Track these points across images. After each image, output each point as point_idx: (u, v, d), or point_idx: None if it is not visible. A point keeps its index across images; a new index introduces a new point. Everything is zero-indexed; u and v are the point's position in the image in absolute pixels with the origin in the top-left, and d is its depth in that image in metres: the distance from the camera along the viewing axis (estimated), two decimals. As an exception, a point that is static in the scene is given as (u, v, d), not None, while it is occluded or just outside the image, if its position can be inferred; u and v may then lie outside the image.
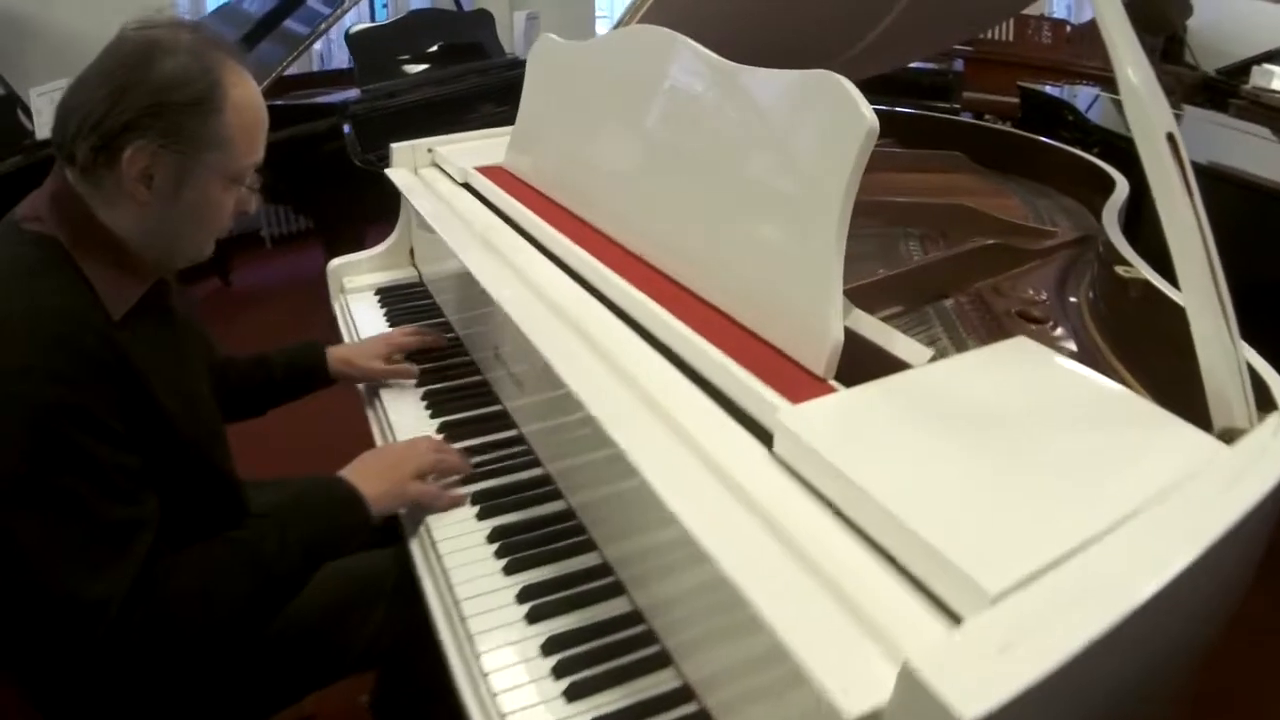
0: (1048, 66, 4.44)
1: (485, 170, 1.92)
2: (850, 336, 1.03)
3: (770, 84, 1.17)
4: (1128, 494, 0.79)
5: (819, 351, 1.01)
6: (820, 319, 1.01)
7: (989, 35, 4.69)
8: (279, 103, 3.38)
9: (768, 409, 0.96)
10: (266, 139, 1.11)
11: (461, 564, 1.18)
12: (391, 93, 3.46)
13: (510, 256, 1.51)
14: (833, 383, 1.01)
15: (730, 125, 1.22)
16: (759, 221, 1.14)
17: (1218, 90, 3.91)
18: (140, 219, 1.04)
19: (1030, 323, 1.36)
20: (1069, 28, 4.76)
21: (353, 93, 3.37)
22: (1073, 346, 1.28)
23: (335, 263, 2.16)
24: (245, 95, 1.05)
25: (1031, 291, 1.48)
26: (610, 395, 1.08)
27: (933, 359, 1.03)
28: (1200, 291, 0.89)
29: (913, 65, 4.35)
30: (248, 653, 1.17)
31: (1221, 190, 2.32)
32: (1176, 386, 1.00)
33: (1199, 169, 0.97)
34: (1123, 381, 1.19)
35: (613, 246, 1.43)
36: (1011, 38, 4.64)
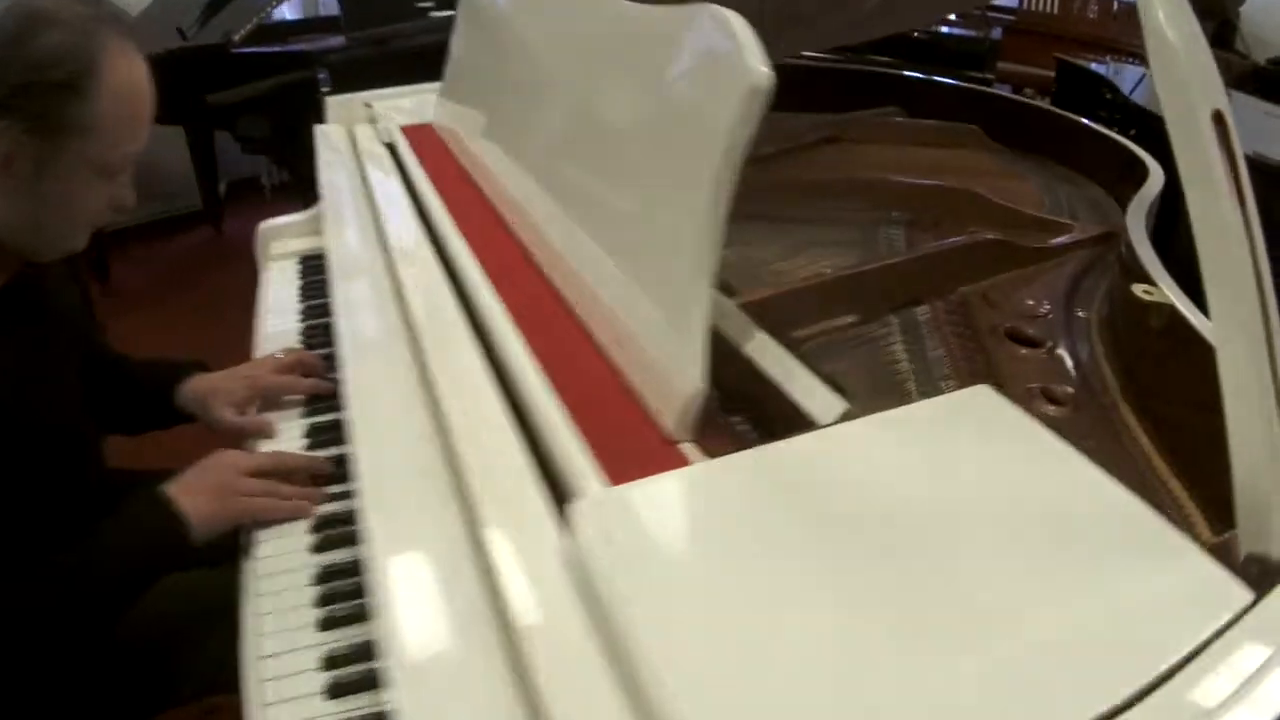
0: (1092, 42, 4.01)
1: (413, 130, 1.63)
2: (748, 374, 0.72)
3: (658, 24, 0.84)
4: (1064, 682, 0.47)
5: (672, 403, 0.71)
6: (675, 359, 0.70)
7: (1031, 6, 4.26)
8: (256, 50, 3.09)
9: (576, 490, 0.66)
10: (150, 126, 1.00)
11: (273, 610, 0.90)
12: (380, 40, 3.14)
13: (394, 244, 1.21)
14: (686, 448, 0.70)
15: (617, 83, 0.90)
16: (629, 216, 0.83)
17: (1268, 80, 3.51)
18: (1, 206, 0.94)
19: (1021, 344, 1.04)
20: (1117, 3, 4.32)
21: (337, 40, 3.06)
22: (1066, 386, 0.95)
23: (266, 225, 1.87)
24: (126, 80, 0.94)
25: (1031, 302, 1.15)
26: (397, 452, 0.80)
27: (845, 415, 0.71)
28: (1242, 347, 0.57)
29: (946, 29, 3.95)
30: (76, 669, 1.06)
31: (1265, 183, 1.95)
32: (1205, 454, 0.68)
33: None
34: (1129, 438, 0.87)
35: (509, 240, 1.13)
36: (1056, 9, 4.19)
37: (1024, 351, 1.02)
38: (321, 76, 2.88)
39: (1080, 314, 1.14)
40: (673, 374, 0.71)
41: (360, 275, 1.21)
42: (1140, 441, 0.89)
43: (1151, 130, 2.16)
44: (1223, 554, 0.69)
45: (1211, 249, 0.58)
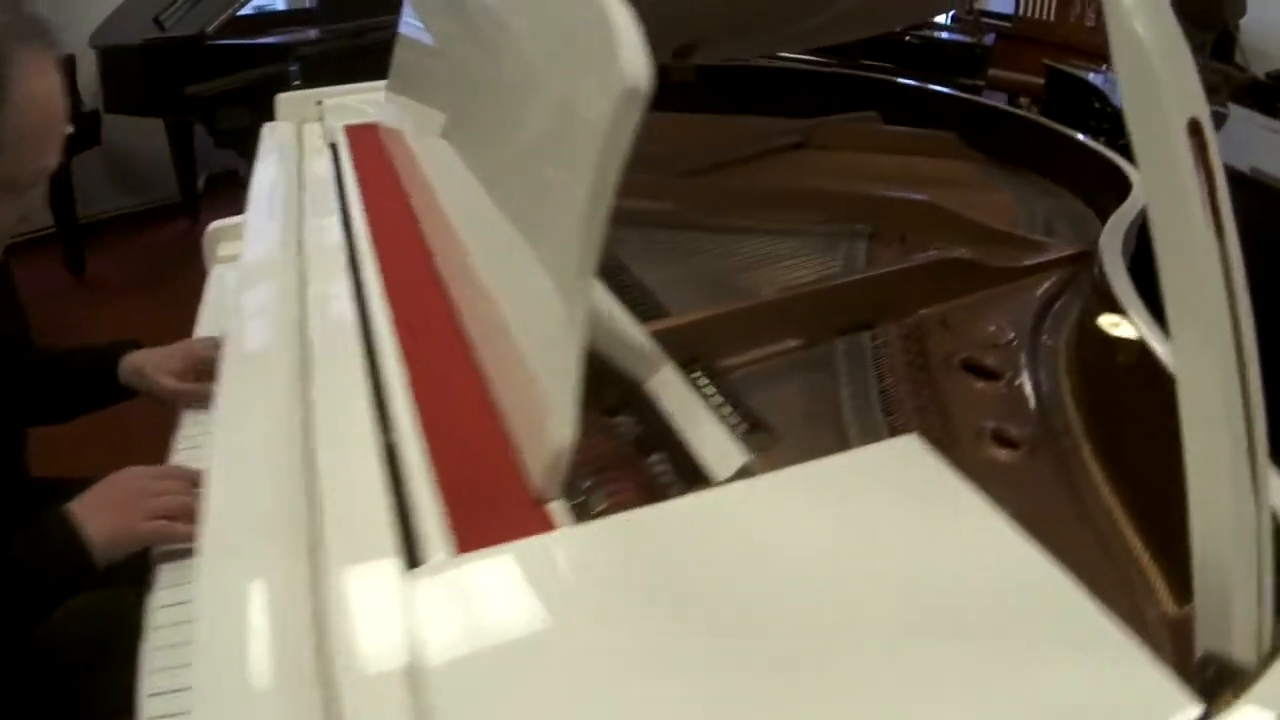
0: (1090, 50, 3.89)
1: (357, 129, 1.52)
2: (648, 413, 0.61)
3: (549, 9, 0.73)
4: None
5: (539, 456, 0.60)
6: (544, 404, 0.59)
7: (1028, 12, 4.14)
8: (233, 42, 2.99)
9: (422, 553, 0.55)
10: (62, 143, 0.93)
11: (164, 644, 0.81)
12: (356, 33, 3.03)
13: (309, 251, 1.11)
14: (553, 508, 0.60)
15: (510, 75, 0.79)
16: (510, 232, 0.72)
17: (1266, 93, 3.40)
18: None
19: (978, 376, 0.92)
20: (1117, 10, 4.19)
21: (307, 34, 2.96)
22: (1023, 425, 0.84)
23: (214, 225, 1.77)
24: (35, 93, 0.87)
25: (994, 328, 1.04)
26: (254, 484, 0.70)
27: (744, 469, 0.60)
28: (1210, 402, 0.46)
29: (939, 34, 3.85)
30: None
31: (1263, 200, 1.83)
32: (1174, 511, 0.56)
33: (1237, 177, 0.52)
34: (1089, 488, 0.76)
35: (420, 252, 1.02)
36: (1053, 17, 4.07)
37: (980, 385, 0.90)
38: (293, 70, 2.78)
39: (1048, 342, 1.03)
40: (543, 421, 0.60)
41: (267, 282, 1.10)
42: (1102, 492, 0.78)
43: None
44: (1184, 632, 0.58)
45: (1179, 282, 0.47)
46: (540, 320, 0.61)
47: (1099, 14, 4.28)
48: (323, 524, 0.67)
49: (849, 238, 1.28)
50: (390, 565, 0.60)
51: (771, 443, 0.78)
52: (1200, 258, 0.44)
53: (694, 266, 1.22)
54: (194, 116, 3.39)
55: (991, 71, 3.64)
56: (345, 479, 0.70)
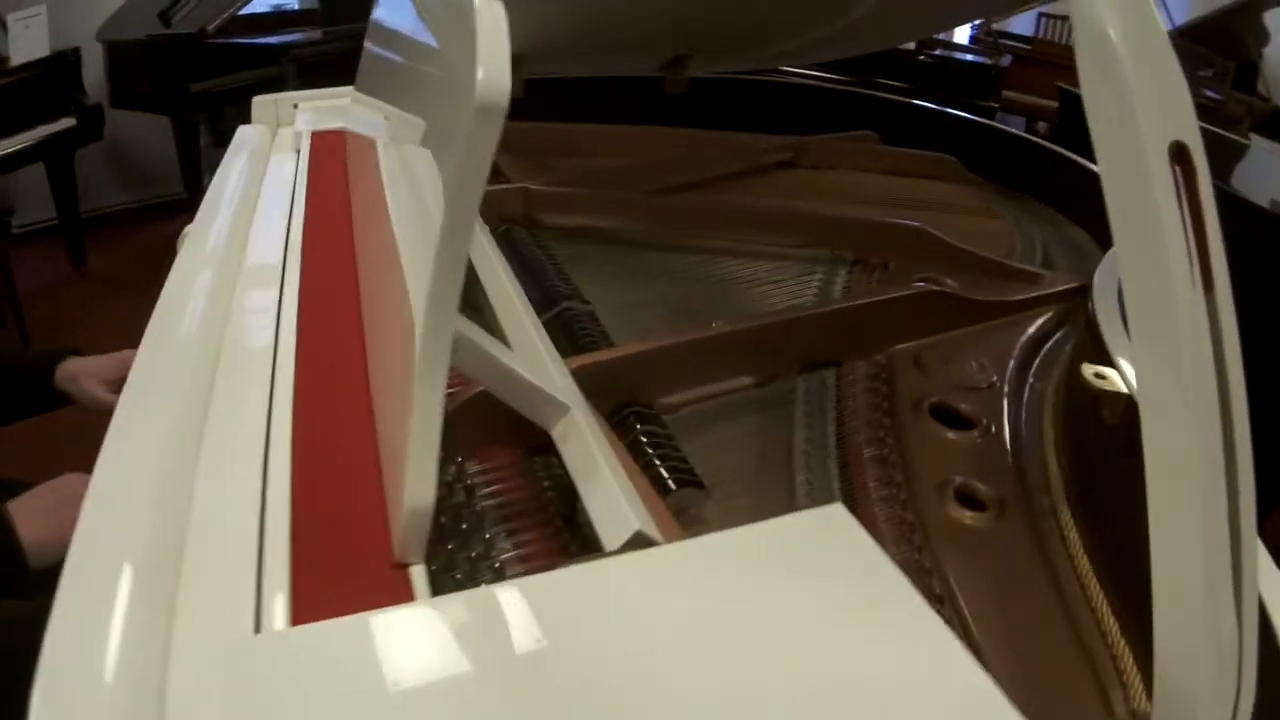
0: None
1: (323, 136, 1.44)
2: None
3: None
4: None
5: (399, 515, 0.50)
6: (400, 458, 0.50)
7: (1048, 35, 4.03)
8: (235, 41, 2.93)
9: (271, 618, 0.46)
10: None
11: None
12: (356, 35, 2.96)
13: (247, 265, 1.02)
14: (416, 572, 0.50)
15: (425, 97, 0.70)
16: (405, 264, 0.63)
17: (1288, 125, 3.26)
18: None
19: (949, 424, 0.82)
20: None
21: (312, 34, 2.89)
22: (995, 482, 0.74)
23: (190, 227, 1.70)
24: None
25: (975, 367, 0.93)
26: (128, 517, 0.60)
27: (636, 538, 0.50)
28: (1185, 520, 0.36)
29: (955, 54, 3.74)
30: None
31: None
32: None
33: (1257, 212, 0.42)
34: (1062, 559, 0.66)
35: (348, 272, 0.93)
36: (1070, 40, 3.97)
37: (950, 434, 0.80)
38: (289, 70, 2.71)
39: (1036, 385, 0.93)
40: (407, 477, 0.50)
41: (196, 296, 1.01)
42: (1078, 563, 0.68)
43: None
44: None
45: (1153, 354, 0.37)
46: (410, 363, 0.52)
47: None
48: (181, 571, 0.58)
49: (828, 263, 1.18)
50: (235, 627, 0.52)
51: (701, 498, 0.68)
52: (1180, 322, 0.34)
53: (659, 289, 1.12)
54: (198, 115, 3.33)
55: (1007, 93, 3.53)
56: (215, 525, 0.61)
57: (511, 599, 0.45)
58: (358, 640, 0.45)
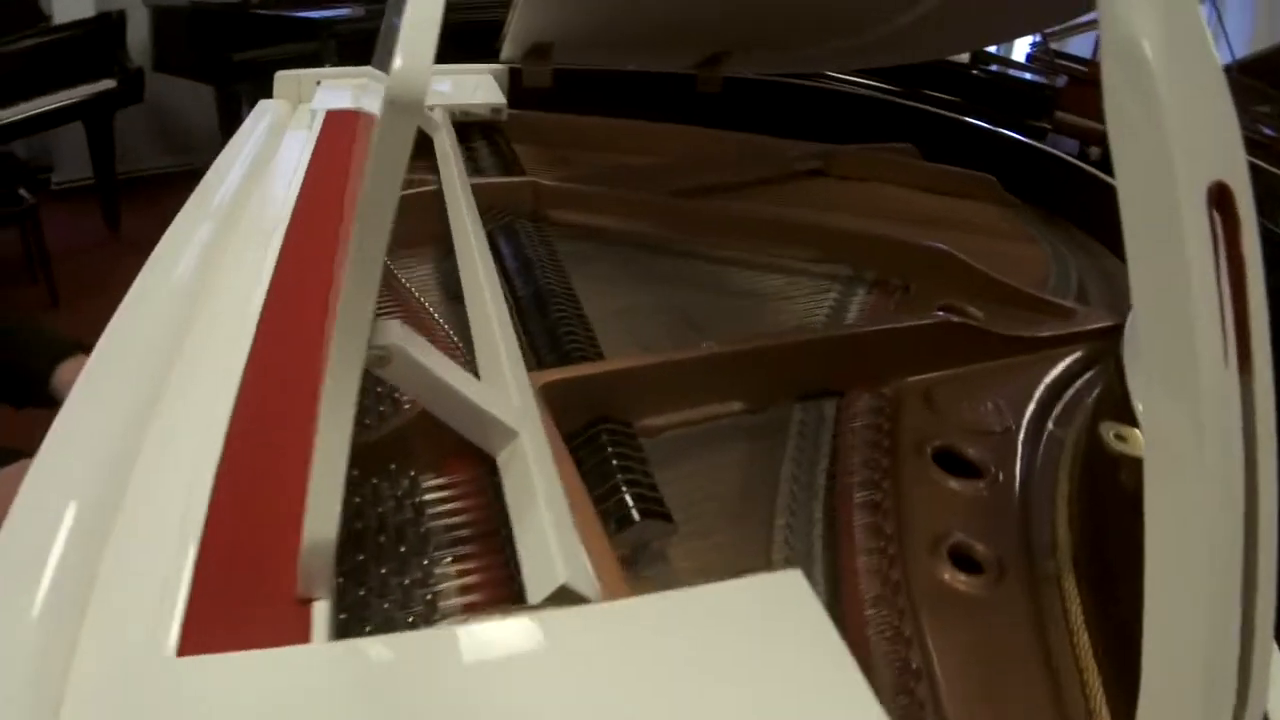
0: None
1: (339, 116, 1.39)
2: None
3: None
4: None
5: (301, 550, 0.45)
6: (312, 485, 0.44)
7: (1107, 57, 3.89)
8: (278, 14, 2.90)
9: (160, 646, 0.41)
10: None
11: None
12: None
13: (229, 253, 0.97)
14: (319, 609, 0.45)
15: None
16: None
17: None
18: None
19: (953, 472, 0.75)
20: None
21: (356, 10, 2.86)
22: (995, 542, 0.67)
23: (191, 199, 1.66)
24: None
25: (991, 407, 0.86)
26: (54, 517, 0.55)
27: (562, 593, 0.44)
28: (1189, 587, 0.30)
29: (1010, 71, 3.63)
30: None
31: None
32: None
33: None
34: (1059, 635, 0.59)
35: (326, 265, 0.87)
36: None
37: (953, 483, 0.73)
38: (330, 46, 2.68)
39: (1055, 433, 0.86)
40: (308, 509, 0.45)
41: (171, 271, 0.96)
42: (1077, 642, 0.61)
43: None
44: None
45: (1164, 443, 0.30)
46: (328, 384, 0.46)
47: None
48: (94, 586, 0.53)
49: (846, 282, 1.11)
50: (130, 650, 0.47)
51: (667, 532, 0.62)
52: (1204, 408, 0.27)
53: (665, 296, 1.06)
54: (240, 85, 3.32)
55: (1060, 114, 3.42)
56: (138, 534, 0.56)
57: (398, 653, 0.39)
58: (220, 678, 0.40)
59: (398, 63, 0.36)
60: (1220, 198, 0.31)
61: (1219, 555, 0.34)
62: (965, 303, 1.08)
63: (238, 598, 0.47)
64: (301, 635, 0.45)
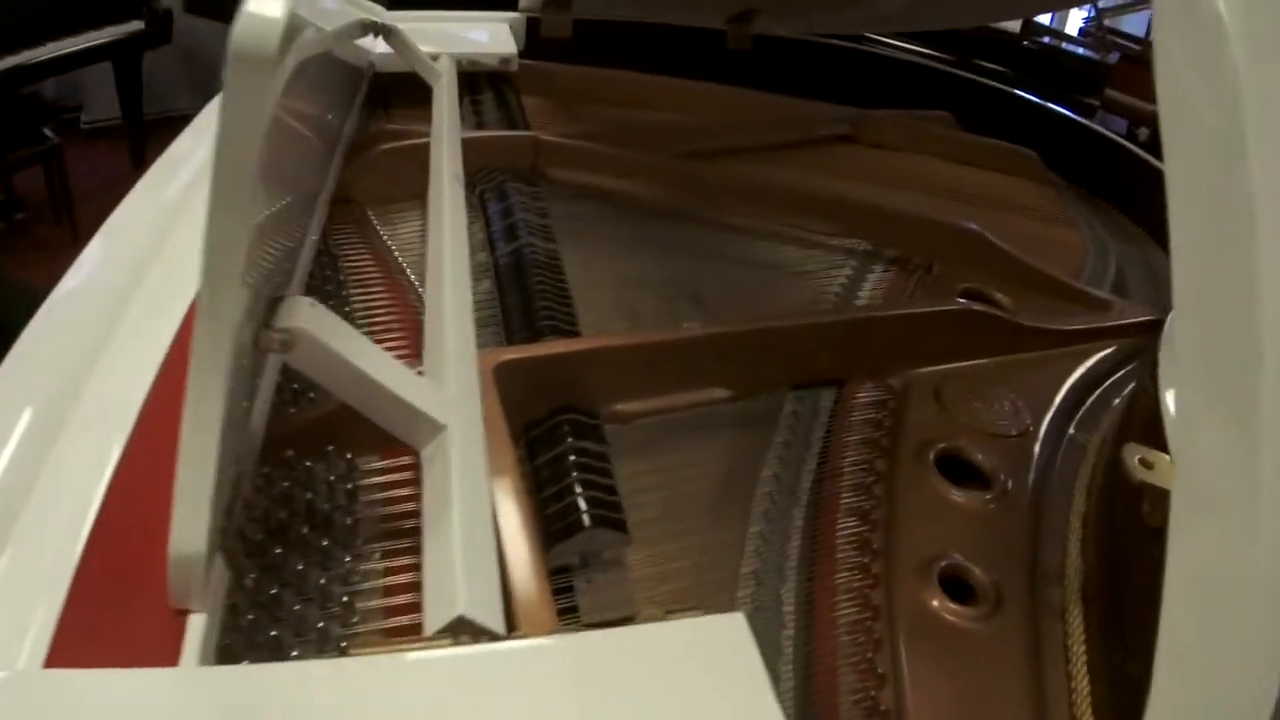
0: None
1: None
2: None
3: None
4: None
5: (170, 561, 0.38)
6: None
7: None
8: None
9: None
10: None
11: None
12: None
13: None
14: (194, 623, 0.38)
15: None
16: None
17: None
18: None
19: (957, 481, 0.67)
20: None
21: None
22: (990, 570, 0.59)
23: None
24: None
25: (1008, 406, 0.78)
26: None
27: (459, 624, 0.37)
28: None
29: (1062, 45, 3.46)
30: None
31: None
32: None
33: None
34: (1057, 678, 0.52)
35: None
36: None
37: (955, 494, 0.65)
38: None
39: (1076, 439, 0.77)
40: (174, 517, 0.38)
41: (127, 240, 0.90)
42: (1076, 689, 0.53)
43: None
44: None
45: (1202, 472, 0.23)
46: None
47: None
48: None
49: (863, 257, 1.03)
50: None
51: (620, 542, 0.55)
52: (1265, 433, 0.20)
53: (667, 267, 0.98)
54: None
55: (1110, 92, 3.25)
56: (35, 532, 0.50)
57: (260, 686, 0.33)
58: (78, 695, 0.34)
59: (249, 6, 0.29)
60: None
61: (1264, 624, 0.26)
62: (991, 288, 0.99)
63: (116, 607, 0.41)
64: (172, 650, 0.39)
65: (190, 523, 0.37)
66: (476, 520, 0.43)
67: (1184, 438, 0.27)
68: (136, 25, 3.03)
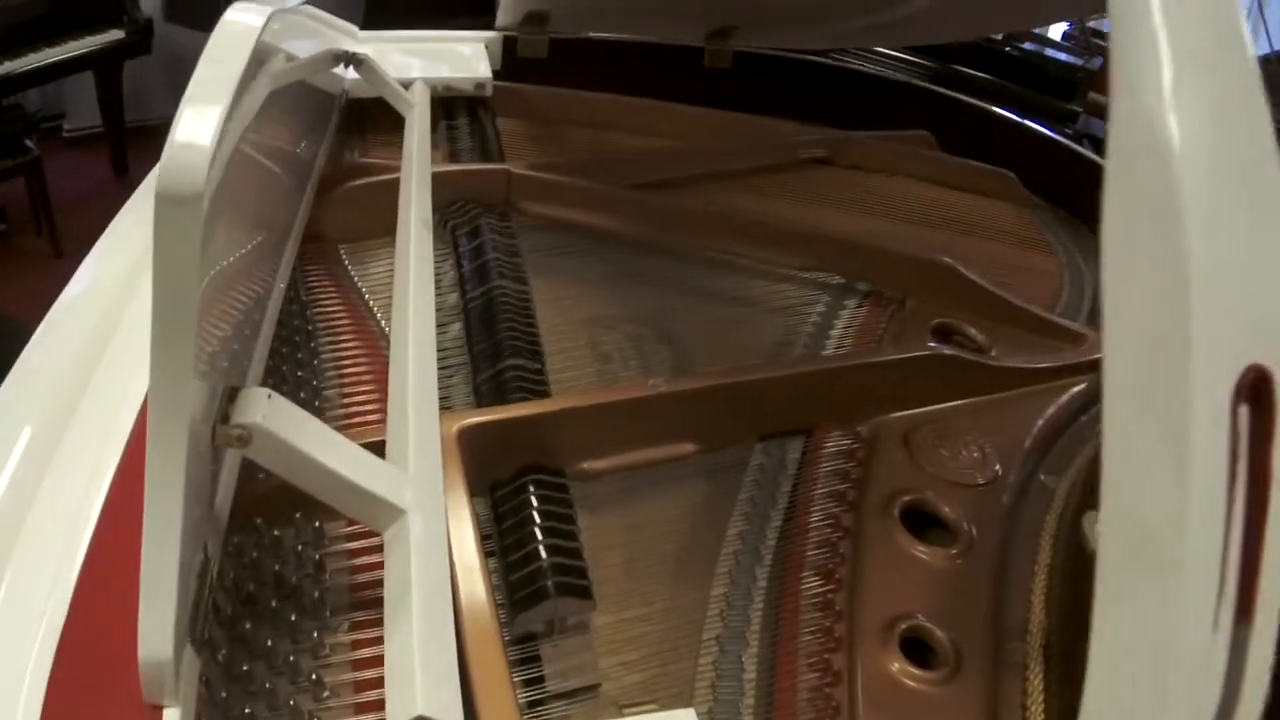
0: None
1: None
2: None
3: None
4: None
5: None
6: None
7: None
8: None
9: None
10: None
11: None
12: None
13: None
14: (169, 716, 0.39)
15: None
16: None
17: None
18: None
19: (922, 535, 0.68)
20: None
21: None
22: (952, 627, 0.60)
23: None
24: None
25: (976, 453, 0.79)
26: None
27: None
28: None
29: (1045, 50, 3.47)
30: None
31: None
32: None
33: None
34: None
35: None
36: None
37: (920, 550, 0.66)
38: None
39: (1045, 482, 0.78)
40: (140, 623, 0.39)
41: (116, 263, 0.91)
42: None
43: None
44: None
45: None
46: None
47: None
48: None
49: (837, 292, 1.03)
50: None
51: (585, 609, 0.55)
52: (1184, 665, 0.20)
53: (639, 302, 0.98)
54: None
55: (1094, 96, 3.25)
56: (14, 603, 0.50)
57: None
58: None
59: (172, 146, 0.29)
60: (1256, 389, 0.23)
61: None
62: (965, 320, 1.00)
63: (93, 696, 0.41)
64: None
65: (157, 626, 0.37)
66: (435, 610, 0.43)
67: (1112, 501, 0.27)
68: (117, 34, 3.02)
